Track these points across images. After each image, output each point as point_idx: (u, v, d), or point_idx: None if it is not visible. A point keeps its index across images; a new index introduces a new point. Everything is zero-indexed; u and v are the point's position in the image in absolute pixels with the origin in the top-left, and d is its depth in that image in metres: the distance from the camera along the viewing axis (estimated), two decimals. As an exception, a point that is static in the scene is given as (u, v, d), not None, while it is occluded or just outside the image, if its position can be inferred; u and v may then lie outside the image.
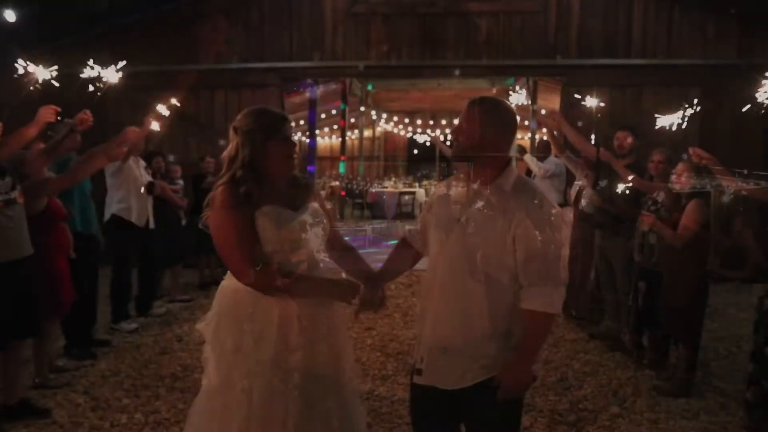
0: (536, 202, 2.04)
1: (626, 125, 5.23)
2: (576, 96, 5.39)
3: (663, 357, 4.52)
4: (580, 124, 6.16)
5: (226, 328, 2.21)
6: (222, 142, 8.56)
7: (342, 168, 14.30)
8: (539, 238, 1.99)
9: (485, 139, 2.06)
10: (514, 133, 2.16)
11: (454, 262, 2.09)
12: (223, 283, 2.31)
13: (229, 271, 2.26)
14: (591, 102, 5.27)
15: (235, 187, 2.13)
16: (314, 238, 2.24)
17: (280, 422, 2.12)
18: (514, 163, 2.15)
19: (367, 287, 2.29)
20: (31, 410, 3.77)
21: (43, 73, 3.11)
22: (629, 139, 5.00)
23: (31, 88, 3.20)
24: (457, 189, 2.18)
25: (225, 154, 2.24)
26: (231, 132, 2.22)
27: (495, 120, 2.09)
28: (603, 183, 5.06)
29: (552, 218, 2.03)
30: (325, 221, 2.30)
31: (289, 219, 2.19)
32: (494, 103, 2.15)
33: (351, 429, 2.28)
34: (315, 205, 2.32)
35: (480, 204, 2.07)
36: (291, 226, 2.18)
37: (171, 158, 7.48)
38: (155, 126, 4.79)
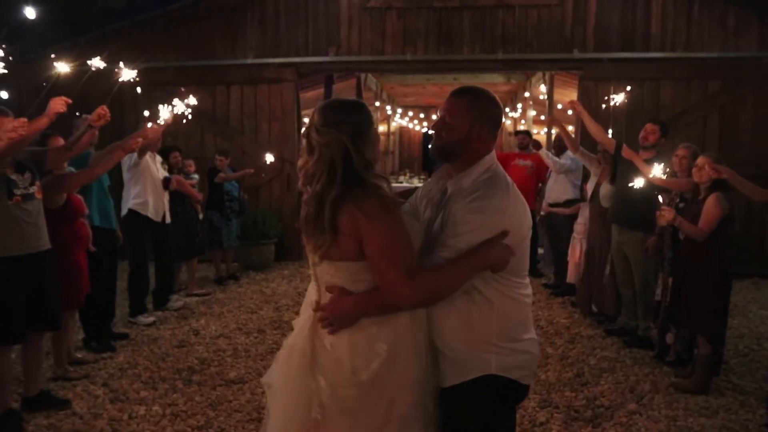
0: (476, 195, 1.81)
1: (657, 119, 5.16)
2: (613, 95, 5.31)
3: (687, 355, 4.46)
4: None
5: (402, 362, 1.81)
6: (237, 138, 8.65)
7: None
8: (458, 220, 1.80)
9: (471, 135, 1.88)
10: (497, 127, 1.95)
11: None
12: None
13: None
14: (618, 98, 5.24)
15: (382, 188, 1.75)
16: None
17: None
18: (488, 157, 1.91)
19: None
20: (51, 401, 3.82)
21: (63, 67, 3.13)
22: (657, 134, 4.95)
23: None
24: (431, 183, 2.07)
25: (310, 163, 1.80)
26: (316, 134, 1.77)
27: (480, 113, 1.89)
28: (622, 178, 5.00)
29: (483, 207, 1.79)
30: None
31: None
32: (479, 93, 1.93)
33: None
34: None
35: (435, 198, 1.97)
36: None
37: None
38: (168, 117, 4.80)
